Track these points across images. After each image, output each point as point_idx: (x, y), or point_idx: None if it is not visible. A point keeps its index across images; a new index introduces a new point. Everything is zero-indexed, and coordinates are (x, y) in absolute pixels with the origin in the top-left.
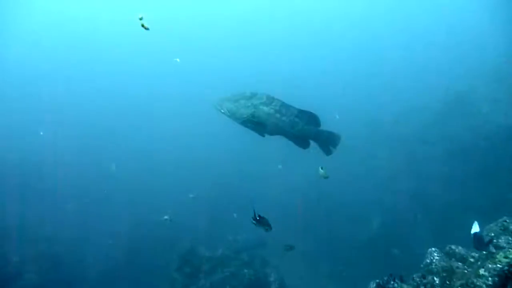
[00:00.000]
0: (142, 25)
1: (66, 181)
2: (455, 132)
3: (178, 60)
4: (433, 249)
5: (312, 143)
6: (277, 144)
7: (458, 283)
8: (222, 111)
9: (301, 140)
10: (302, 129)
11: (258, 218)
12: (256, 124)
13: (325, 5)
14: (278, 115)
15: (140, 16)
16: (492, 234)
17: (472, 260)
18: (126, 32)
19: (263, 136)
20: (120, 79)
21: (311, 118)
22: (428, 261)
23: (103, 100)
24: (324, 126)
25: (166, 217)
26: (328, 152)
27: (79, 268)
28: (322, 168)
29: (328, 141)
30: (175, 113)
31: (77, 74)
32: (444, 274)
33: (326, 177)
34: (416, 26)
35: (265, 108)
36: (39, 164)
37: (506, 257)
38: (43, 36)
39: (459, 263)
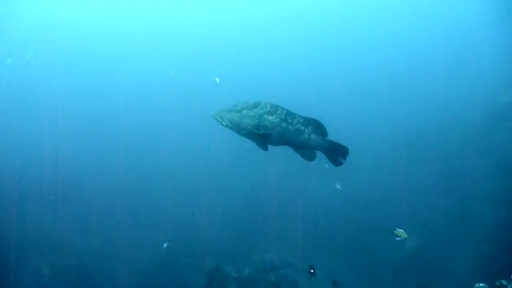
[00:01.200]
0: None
1: (90, 191)
2: (498, 146)
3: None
4: (481, 285)
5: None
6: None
7: None
8: (224, 123)
9: (308, 151)
10: (309, 138)
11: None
12: (262, 135)
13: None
14: (284, 124)
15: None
16: None
17: None
18: (125, 36)
19: (266, 149)
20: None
21: (317, 127)
22: None
23: (115, 110)
24: (333, 137)
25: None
26: (337, 163)
27: (107, 282)
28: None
29: (336, 152)
30: (180, 118)
31: (77, 79)
32: None
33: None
34: (453, 35)
35: (270, 118)
36: (55, 174)
37: None
38: (41, 38)
39: None
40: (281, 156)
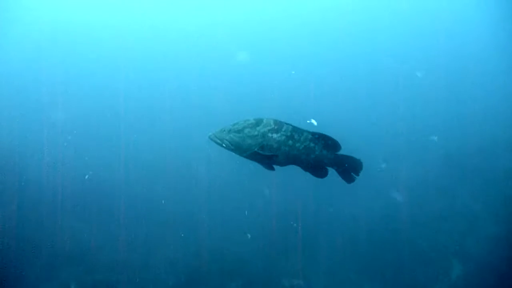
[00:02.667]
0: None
1: (122, 200)
2: None
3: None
4: None
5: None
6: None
7: None
8: (224, 145)
9: (318, 169)
10: (321, 155)
11: None
12: (267, 156)
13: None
14: (290, 142)
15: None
16: None
17: None
18: (126, 36)
19: (273, 169)
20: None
21: (328, 142)
22: None
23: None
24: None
25: None
26: (350, 179)
27: None
28: None
29: (349, 167)
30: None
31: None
32: None
33: None
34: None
35: (275, 136)
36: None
37: None
38: (41, 39)
39: None
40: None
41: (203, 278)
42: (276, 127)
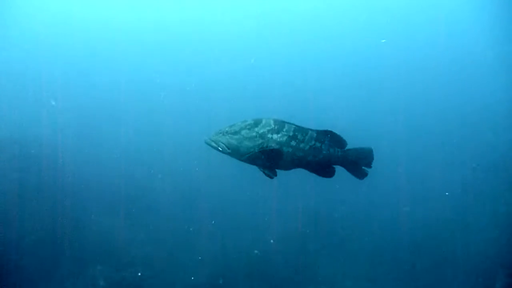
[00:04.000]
0: None
1: (155, 196)
2: None
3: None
4: None
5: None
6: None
7: None
8: (220, 148)
9: (325, 168)
10: (328, 154)
11: None
12: (268, 159)
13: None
14: (293, 143)
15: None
16: None
17: None
18: (125, 35)
19: (274, 175)
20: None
21: (333, 139)
22: None
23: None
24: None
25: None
26: (361, 175)
27: None
28: None
29: (358, 162)
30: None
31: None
32: None
33: None
34: None
35: (276, 136)
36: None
37: None
38: (43, 34)
39: None
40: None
41: (231, 278)
42: (276, 127)
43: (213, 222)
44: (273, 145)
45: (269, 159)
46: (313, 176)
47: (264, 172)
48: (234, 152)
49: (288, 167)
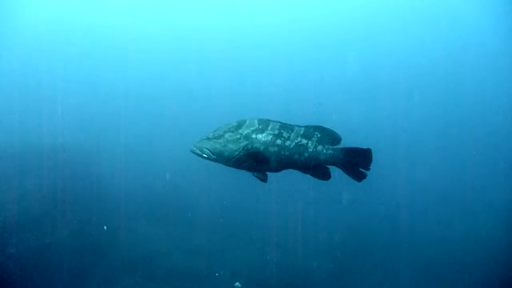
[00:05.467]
0: None
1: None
2: None
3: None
4: None
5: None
6: None
7: None
8: (205, 155)
9: (318, 169)
10: (315, 152)
11: None
12: (254, 161)
13: None
14: (279, 142)
15: None
16: None
17: None
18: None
19: (265, 178)
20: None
21: (324, 134)
22: None
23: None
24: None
25: None
26: (359, 177)
27: None
28: None
29: (355, 163)
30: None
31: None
32: None
33: None
34: None
35: (260, 136)
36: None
37: None
38: (43, 37)
39: None
40: None
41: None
42: (261, 127)
43: (250, 233)
44: (258, 145)
45: (256, 161)
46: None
47: (254, 175)
48: (219, 157)
49: (277, 168)
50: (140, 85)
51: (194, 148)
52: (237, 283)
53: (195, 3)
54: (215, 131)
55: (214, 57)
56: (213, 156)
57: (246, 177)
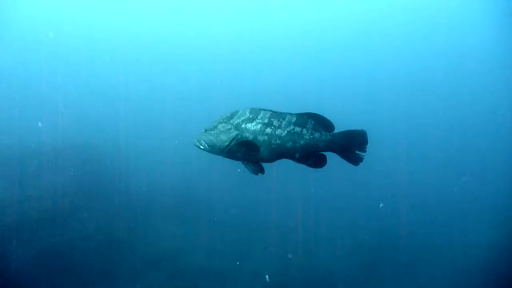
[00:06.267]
0: None
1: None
2: None
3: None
4: None
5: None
6: None
7: None
8: (202, 147)
9: (313, 157)
10: (312, 139)
11: None
12: (246, 151)
13: None
14: (269, 130)
15: None
16: None
17: None
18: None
19: (261, 171)
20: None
21: (317, 121)
22: None
23: None
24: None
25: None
26: (356, 160)
27: None
28: None
29: (351, 146)
30: None
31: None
32: None
33: None
34: None
35: (250, 125)
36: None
37: None
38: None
39: None
40: None
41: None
42: (251, 116)
43: (272, 233)
44: (247, 135)
45: (247, 150)
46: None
47: (247, 167)
48: (213, 149)
49: (270, 157)
50: (159, 86)
51: (195, 141)
52: (267, 276)
53: (194, 6)
54: (212, 122)
55: (229, 58)
56: (208, 148)
57: (269, 177)
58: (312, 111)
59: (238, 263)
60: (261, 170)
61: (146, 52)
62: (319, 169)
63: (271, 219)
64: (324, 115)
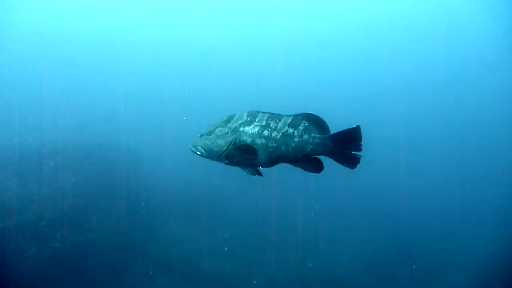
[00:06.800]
0: None
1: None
2: None
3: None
4: None
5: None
6: None
7: None
8: (199, 153)
9: (308, 161)
10: (301, 142)
11: None
12: (244, 155)
13: None
14: (266, 133)
15: None
16: None
17: None
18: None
19: (260, 174)
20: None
21: (312, 123)
22: None
23: None
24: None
25: None
26: (352, 163)
27: None
28: None
29: (346, 147)
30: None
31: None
32: None
33: None
34: None
35: (248, 129)
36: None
37: None
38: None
39: None
40: None
41: None
42: (249, 119)
43: (288, 239)
44: (245, 138)
45: (245, 155)
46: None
47: (245, 171)
48: (211, 154)
49: (268, 161)
50: (178, 88)
51: (191, 147)
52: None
53: (191, 10)
54: (209, 127)
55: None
56: (204, 153)
57: (283, 179)
58: (310, 112)
59: (252, 268)
60: (260, 174)
61: (160, 54)
62: (327, 174)
63: (287, 224)
64: (321, 116)
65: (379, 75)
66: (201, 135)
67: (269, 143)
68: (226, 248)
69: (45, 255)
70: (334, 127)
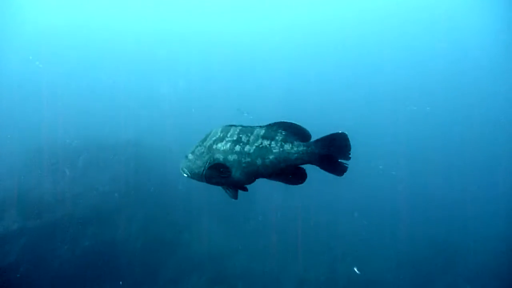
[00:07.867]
0: None
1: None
2: None
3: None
4: None
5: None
6: None
7: None
8: (185, 174)
9: (289, 173)
10: (282, 152)
11: None
12: (218, 174)
13: None
14: (238, 148)
15: None
16: None
17: None
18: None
19: (235, 197)
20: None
21: (290, 131)
22: None
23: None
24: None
25: None
26: (340, 170)
27: None
28: None
29: (332, 154)
30: None
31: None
32: None
33: None
34: None
35: (220, 145)
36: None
37: None
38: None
39: None
40: None
41: None
42: (222, 135)
43: (321, 241)
44: (217, 156)
45: (218, 174)
46: None
47: (227, 192)
48: (194, 176)
49: (245, 179)
50: (204, 88)
51: (180, 169)
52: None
53: (196, 6)
54: (193, 146)
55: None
56: (189, 175)
57: (314, 179)
58: (284, 120)
59: (283, 270)
60: (245, 189)
61: (182, 51)
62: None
63: (318, 222)
64: (298, 123)
65: (379, 70)
66: (186, 156)
67: (242, 159)
68: (256, 247)
69: (75, 254)
70: (334, 126)
